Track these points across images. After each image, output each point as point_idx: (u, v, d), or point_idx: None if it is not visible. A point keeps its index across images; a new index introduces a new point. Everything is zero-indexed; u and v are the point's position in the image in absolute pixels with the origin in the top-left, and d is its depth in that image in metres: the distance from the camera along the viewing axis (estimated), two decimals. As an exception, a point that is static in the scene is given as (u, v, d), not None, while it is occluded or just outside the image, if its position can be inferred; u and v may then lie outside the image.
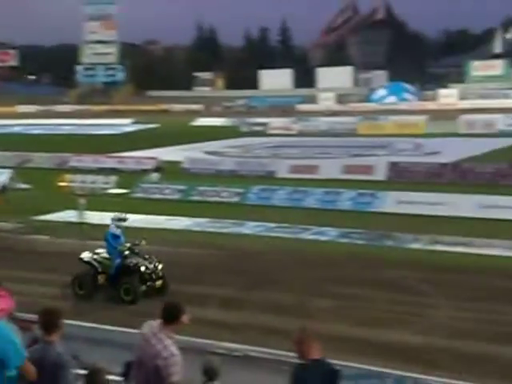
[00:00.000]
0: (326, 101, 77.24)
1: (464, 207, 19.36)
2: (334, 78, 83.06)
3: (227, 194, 23.60)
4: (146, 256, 12.96)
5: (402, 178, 25.97)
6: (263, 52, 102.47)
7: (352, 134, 48.14)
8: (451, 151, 33.76)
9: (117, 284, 12.67)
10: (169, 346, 5.71)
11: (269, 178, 27.82)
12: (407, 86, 77.53)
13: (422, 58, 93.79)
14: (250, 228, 18.91)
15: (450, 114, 52.55)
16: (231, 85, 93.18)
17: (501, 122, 46.91)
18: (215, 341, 8.58)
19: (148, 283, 12.67)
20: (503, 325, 11.06)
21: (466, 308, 11.83)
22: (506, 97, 68.54)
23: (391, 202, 20.76)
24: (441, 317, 11.64)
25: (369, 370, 7.89)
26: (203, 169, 30.74)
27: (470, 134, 43.21)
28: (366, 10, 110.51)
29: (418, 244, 16.54)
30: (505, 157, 29.88)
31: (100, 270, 12.98)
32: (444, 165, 26.96)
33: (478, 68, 78.75)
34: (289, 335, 10.05)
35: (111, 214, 13.71)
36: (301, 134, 50.60)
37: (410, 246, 16.39)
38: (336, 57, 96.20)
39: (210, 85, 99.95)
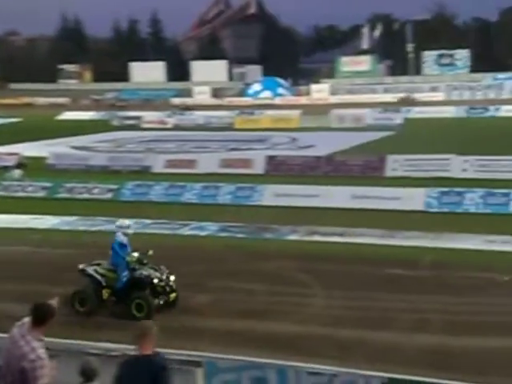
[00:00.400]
0: (201, 94, 77.24)
1: (338, 198, 20.00)
2: (208, 72, 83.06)
3: (99, 191, 22.92)
4: (156, 267, 11.73)
5: (280, 171, 26.46)
6: (133, 44, 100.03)
7: (229, 128, 48.45)
8: (324, 145, 34.80)
9: (126, 299, 11.38)
10: (36, 348, 5.63)
11: (144, 173, 27.34)
12: (281, 81, 79.08)
13: (294, 54, 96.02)
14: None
15: (322, 109, 54.19)
16: (99, 77, 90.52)
17: (369, 116, 49.00)
18: (92, 341, 8.28)
19: (160, 297, 11.52)
20: (377, 311, 11.49)
21: (342, 296, 12.19)
22: (374, 92, 71.65)
23: (269, 195, 21.07)
24: (319, 306, 11.94)
25: (250, 361, 7.92)
26: (71, 164, 29.57)
27: (340, 128, 44.80)
28: (237, 3, 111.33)
29: (295, 235, 16.88)
30: (373, 150, 31.21)
31: (104, 283, 11.64)
32: (318, 158, 27.73)
33: (347, 64, 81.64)
34: (165, 332, 9.97)
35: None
36: (176, 128, 50.25)
37: (288, 238, 16.70)
38: (209, 50, 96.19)
39: (76, 77, 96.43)
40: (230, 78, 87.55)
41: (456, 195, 19.60)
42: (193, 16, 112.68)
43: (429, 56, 77.83)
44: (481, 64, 73.07)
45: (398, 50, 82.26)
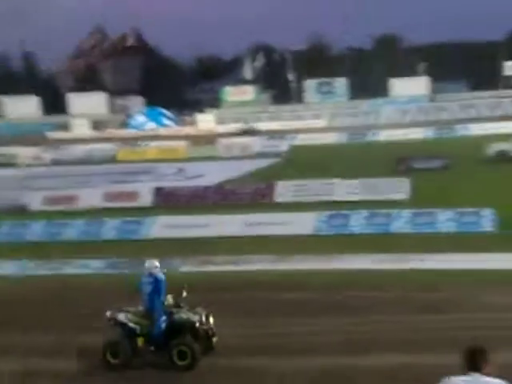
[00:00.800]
0: (80, 128, 75.03)
1: (229, 227, 19.78)
2: (86, 104, 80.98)
3: None
4: (192, 309, 10.62)
5: (168, 202, 25.85)
6: (5, 78, 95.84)
7: (111, 160, 47.20)
8: (212, 174, 34.53)
9: (166, 347, 10.19)
10: None
11: (20, 212, 25.80)
12: (165, 111, 78.56)
13: (177, 84, 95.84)
14: (1, 268, 17.23)
15: (209, 139, 54.13)
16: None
17: (256, 144, 49.43)
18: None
19: (200, 341, 10.35)
20: (277, 336, 11.27)
21: (241, 324, 11.88)
22: (259, 120, 72.60)
23: (158, 227, 20.57)
24: (218, 335, 11.42)
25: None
26: None
27: (228, 157, 44.81)
28: (114, 35, 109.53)
29: (188, 267, 16.48)
30: (262, 177, 31.34)
31: (138, 331, 10.37)
32: (207, 187, 27.44)
33: (231, 93, 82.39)
34: (59, 376, 9.19)
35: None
36: (54, 162, 48.28)
37: (181, 270, 16.17)
38: (87, 82, 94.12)
39: None
40: (111, 109, 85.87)
41: (342, 218, 19.98)
42: (67, 48, 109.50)
43: (309, 85, 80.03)
44: (358, 91, 75.97)
45: (279, 80, 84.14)
